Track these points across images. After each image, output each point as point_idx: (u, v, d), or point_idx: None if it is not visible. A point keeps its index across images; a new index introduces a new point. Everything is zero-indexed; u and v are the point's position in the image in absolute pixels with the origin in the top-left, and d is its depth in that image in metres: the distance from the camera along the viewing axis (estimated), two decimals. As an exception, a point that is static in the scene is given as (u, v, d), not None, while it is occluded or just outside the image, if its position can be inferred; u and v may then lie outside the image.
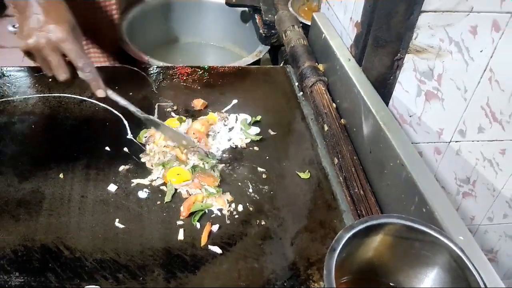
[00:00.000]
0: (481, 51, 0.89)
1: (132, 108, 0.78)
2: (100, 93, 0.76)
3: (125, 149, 0.78)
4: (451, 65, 0.90)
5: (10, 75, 0.90)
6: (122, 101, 0.77)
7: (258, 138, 0.83)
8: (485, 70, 0.92)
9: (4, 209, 0.67)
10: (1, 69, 0.92)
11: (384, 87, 0.92)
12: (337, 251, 0.49)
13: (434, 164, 1.09)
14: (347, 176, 0.75)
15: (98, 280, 0.60)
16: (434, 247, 0.53)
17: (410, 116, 0.98)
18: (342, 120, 0.85)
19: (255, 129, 0.85)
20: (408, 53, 0.87)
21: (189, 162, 0.75)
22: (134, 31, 1.21)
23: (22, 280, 0.59)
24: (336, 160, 0.78)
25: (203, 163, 0.76)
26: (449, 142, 1.04)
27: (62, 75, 0.74)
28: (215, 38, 1.40)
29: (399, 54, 0.87)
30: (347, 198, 0.73)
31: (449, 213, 0.57)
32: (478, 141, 1.06)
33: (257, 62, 1.15)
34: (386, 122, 0.71)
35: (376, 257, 0.56)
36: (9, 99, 0.85)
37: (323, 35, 0.94)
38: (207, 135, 0.82)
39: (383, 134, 0.70)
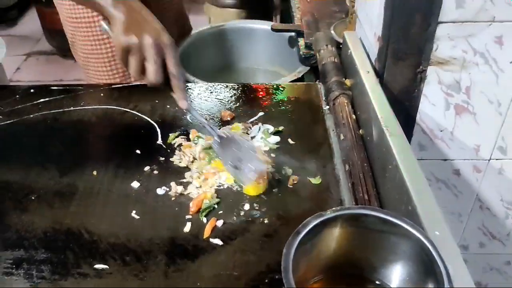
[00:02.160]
0: (511, 62, 0.86)
1: (205, 123, 0.82)
2: (183, 103, 0.80)
3: (153, 152, 0.87)
4: (479, 77, 0.89)
5: (71, 90, 1.04)
6: (198, 116, 0.82)
7: (276, 146, 0.87)
8: (518, 83, 0.89)
9: (43, 198, 0.78)
10: (66, 86, 1.06)
11: (409, 100, 0.93)
12: (301, 234, 0.52)
13: (475, 183, 1.04)
14: (355, 182, 0.76)
15: (108, 260, 0.68)
16: (408, 241, 0.53)
17: (441, 131, 0.97)
18: (360, 130, 0.86)
19: (275, 138, 0.89)
20: (431, 65, 0.88)
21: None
22: (188, 58, 1.32)
23: (46, 256, 0.69)
24: (347, 167, 0.80)
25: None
26: (489, 160, 1.00)
27: (158, 78, 0.77)
28: (266, 62, 1.47)
29: (421, 67, 0.88)
30: (353, 203, 0.74)
31: (430, 210, 0.57)
32: (523, 159, 1.00)
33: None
34: (389, 126, 0.72)
35: (349, 251, 0.57)
36: (65, 109, 0.98)
37: (349, 51, 0.97)
38: None
39: (385, 137, 0.71)
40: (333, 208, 0.55)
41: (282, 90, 1.04)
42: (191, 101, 0.99)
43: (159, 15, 0.98)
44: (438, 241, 0.52)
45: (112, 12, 0.80)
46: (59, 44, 2.96)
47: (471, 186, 1.05)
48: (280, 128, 0.92)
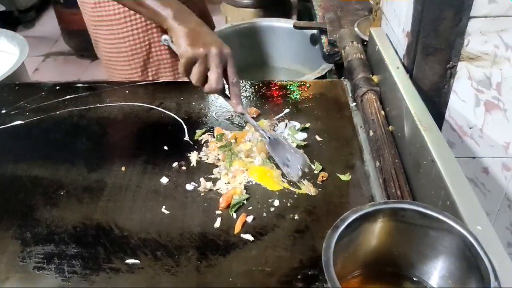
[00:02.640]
0: (544, 58, 0.85)
1: (256, 126, 0.84)
2: (239, 108, 0.85)
3: (181, 148, 0.86)
4: (510, 73, 0.87)
5: (95, 88, 1.05)
6: (251, 120, 0.85)
7: (303, 143, 0.87)
8: (551, 79, 0.87)
9: (72, 193, 0.78)
10: (90, 84, 1.06)
11: (438, 96, 0.91)
12: (341, 229, 0.51)
13: (503, 181, 1.03)
14: (386, 177, 0.75)
15: (139, 255, 0.67)
16: (449, 235, 0.52)
17: (470, 128, 0.95)
18: (390, 127, 0.85)
19: (302, 135, 0.88)
20: (461, 61, 0.86)
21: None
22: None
23: (77, 250, 0.68)
24: (377, 163, 0.79)
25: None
26: (519, 158, 0.98)
27: (218, 86, 0.83)
28: (286, 61, 1.47)
29: (451, 62, 0.87)
30: (384, 199, 0.73)
31: (471, 204, 0.56)
32: (554, 158, 0.98)
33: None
34: (422, 121, 0.71)
35: (387, 246, 0.56)
36: (91, 106, 0.98)
37: (377, 47, 0.96)
38: None
39: (419, 132, 0.70)
40: (372, 203, 0.54)
41: (307, 87, 1.04)
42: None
43: None
44: (480, 236, 0.51)
45: (175, 25, 0.85)
46: (77, 45, 2.98)
47: (500, 184, 1.03)
48: (307, 125, 0.91)
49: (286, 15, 2.48)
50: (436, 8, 0.81)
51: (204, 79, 0.84)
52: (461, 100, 0.91)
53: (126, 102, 1.00)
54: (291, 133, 0.88)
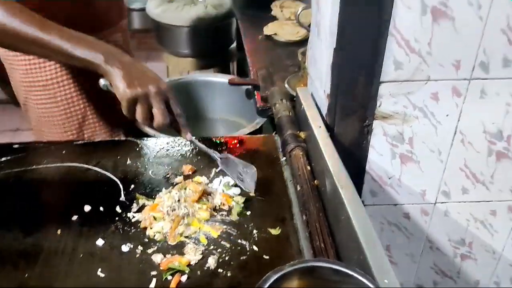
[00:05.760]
0: (447, 115, 0.95)
1: (206, 148, 0.98)
2: (189, 136, 0.94)
3: (117, 209, 0.89)
4: (419, 129, 0.97)
5: (33, 148, 1.06)
6: (200, 144, 0.98)
7: (239, 199, 0.91)
8: (455, 133, 0.98)
9: (8, 259, 0.79)
10: (27, 144, 1.07)
11: (358, 151, 1.00)
12: (262, 289, 0.56)
13: (424, 225, 1.12)
14: (312, 231, 0.81)
15: (74, 321, 0.69)
16: (360, 290, 0.58)
17: (389, 178, 1.04)
18: (315, 181, 0.92)
19: (236, 190, 0.94)
20: (376, 119, 0.96)
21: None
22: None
23: (10, 320, 0.69)
24: (304, 217, 0.85)
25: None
26: (435, 203, 1.08)
27: (166, 120, 0.89)
28: (225, 112, 1.53)
29: (367, 121, 0.96)
30: (311, 252, 0.79)
31: (379, 259, 0.62)
32: (465, 202, 1.09)
33: (258, 132, 1.27)
34: (340, 179, 0.78)
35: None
36: (27, 168, 0.99)
37: (302, 106, 1.04)
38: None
39: (337, 189, 0.77)
40: (291, 262, 0.59)
41: (241, 143, 1.10)
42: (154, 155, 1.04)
43: None
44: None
45: (108, 69, 0.87)
46: (13, 92, 2.92)
47: (421, 228, 1.12)
48: (240, 181, 0.96)
49: (226, 64, 2.58)
50: (350, 74, 0.90)
51: (150, 116, 0.89)
52: (378, 154, 1.00)
53: (63, 162, 1.01)
54: (225, 189, 0.93)
